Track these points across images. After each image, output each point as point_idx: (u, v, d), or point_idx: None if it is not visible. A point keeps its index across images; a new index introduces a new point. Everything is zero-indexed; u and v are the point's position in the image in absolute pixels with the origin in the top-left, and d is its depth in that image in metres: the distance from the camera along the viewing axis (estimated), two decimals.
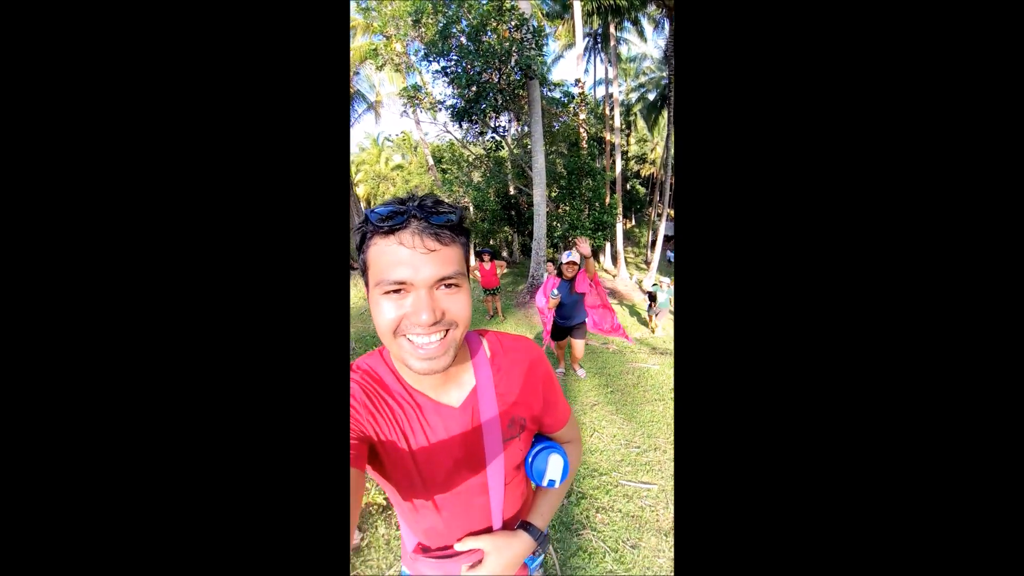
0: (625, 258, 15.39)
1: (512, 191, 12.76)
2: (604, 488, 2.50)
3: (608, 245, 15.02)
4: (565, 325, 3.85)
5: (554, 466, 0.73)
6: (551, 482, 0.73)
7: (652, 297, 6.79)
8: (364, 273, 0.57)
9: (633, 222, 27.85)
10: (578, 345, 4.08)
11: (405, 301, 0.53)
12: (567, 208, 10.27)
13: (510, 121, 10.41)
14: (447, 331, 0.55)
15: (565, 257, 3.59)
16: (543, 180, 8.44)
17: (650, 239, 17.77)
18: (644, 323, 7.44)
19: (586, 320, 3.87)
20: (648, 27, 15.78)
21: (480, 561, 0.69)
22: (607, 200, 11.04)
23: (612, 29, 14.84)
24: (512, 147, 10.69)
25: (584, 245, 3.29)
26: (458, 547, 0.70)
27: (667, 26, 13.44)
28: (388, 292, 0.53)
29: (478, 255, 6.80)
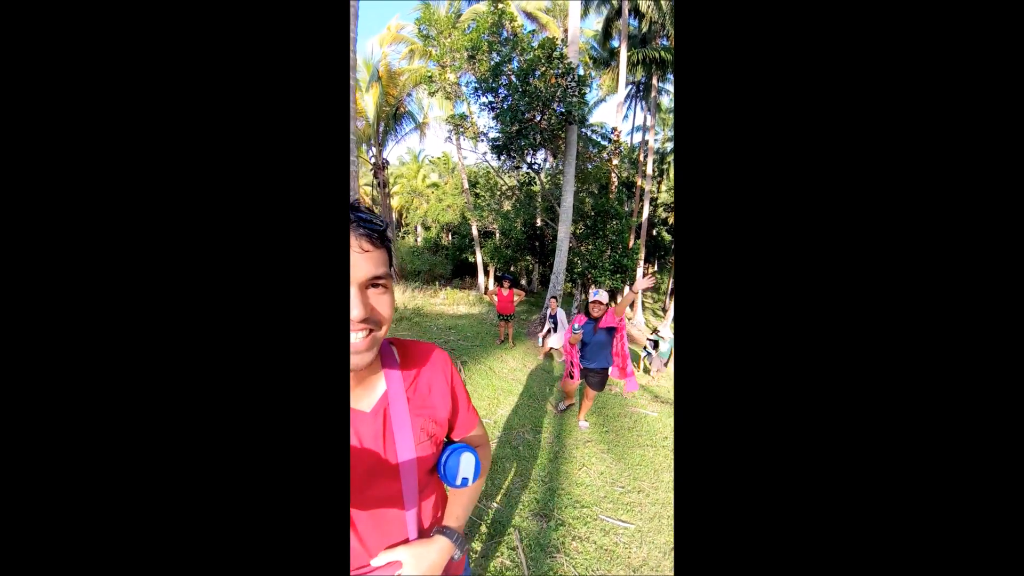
0: (643, 303, 15.47)
1: (539, 223, 13.15)
2: (583, 519, 2.62)
3: (627, 288, 15.17)
4: (586, 367, 3.73)
5: (466, 464, 0.75)
6: (464, 480, 0.75)
7: (654, 344, 6.93)
8: None
9: (656, 268, 27.90)
10: (590, 395, 3.89)
11: None
12: (589, 247, 10.54)
13: (545, 159, 10.87)
14: (371, 330, 0.58)
15: (592, 296, 3.50)
16: (569, 217, 8.77)
17: (670, 287, 17.83)
18: (646, 370, 7.54)
19: (609, 369, 3.72)
20: None
21: (399, 574, 0.67)
22: (630, 244, 11.26)
23: (655, 80, 15.44)
24: (544, 182, 11.12)
25: (645, 281, 3.05)
26: (374, 563, 0.67)
27: None
28: None
29: (498, 280, 7.05)
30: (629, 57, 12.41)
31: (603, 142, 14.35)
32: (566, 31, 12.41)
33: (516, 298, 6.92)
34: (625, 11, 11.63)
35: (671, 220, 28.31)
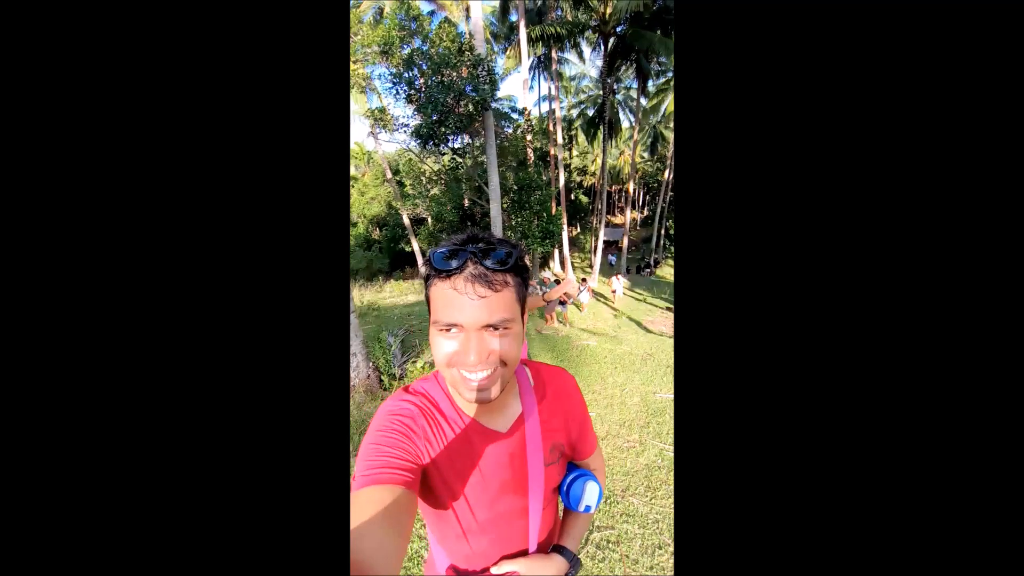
0: (572, 263, 16.96)
1: (467, 203, 13.86)
2: None
3: (556, 251, 16.52)
4: None
5: (591, 492, 0.76)
6: (587, 508, 0.77)
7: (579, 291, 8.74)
8: (427, 302, 0.60)
9: (578, 229, 29.83)
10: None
11: (456, 340, 0.56)
12: (519, 219, 11.50)
13: (466, 144, 11.53)
14: (495, 368, 0.57)
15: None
16: (498, 196, 9.62)
17: (593, 245, 19.55)
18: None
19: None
20: (587, 49, 17.46)
21: None
22: (553, 211, 12.38)
23: (554, 54, 16.40)
24: (467, 164, 11.82)
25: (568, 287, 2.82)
26: (495, 571, 0.72)
27: (602, 48, 15.20)
28: (442, 330, 0.56)
29: None
30: (528, 33, 13.16)
31: (514, 115, 15.16)
32: (467, 9, 12.87)
33: None
34: None
35: (585, 183, 30.18)
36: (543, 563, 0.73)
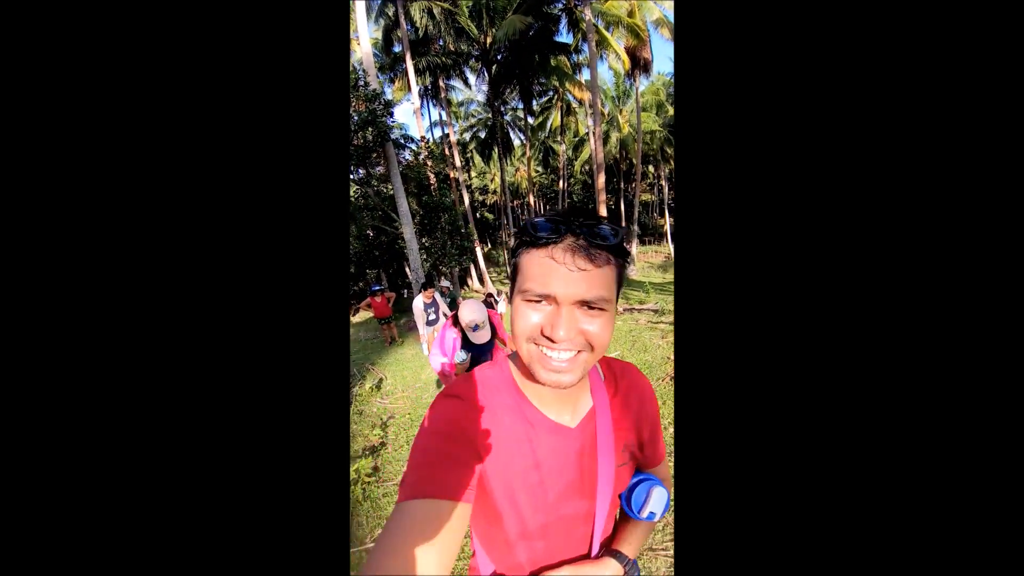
0: (491, 278, 17.55)
1: (370, 233, 13.78)
2: None
3: (472, 268, 17.01)
4: None
5: (658, 498, 0.70)
6: (651, 515, 0.71)
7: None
8: (513, 275, 0.58)
9: (489, 245, 30.73)
10: None
11: (546, 313, 0.53)
12: (431, 241, 11.80)
13: (361, 175, 11.62)
14: (580, 351, 0.54)
15: (472, 321, 2.57)
16: (409, 220, 9.86)
17: (507, 258, 20.41)
18: None
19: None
20: (471, 76, 18.40)
21: None
22: (462, 229, 12.87)
23: (441, 82, 17.07)
24: (371, 195, 11.87)
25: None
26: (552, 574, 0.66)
27: (486, 76, 16.21)
28: (531, 300, 0.53)
29: (371, 294, 7.82)
30: (415, 64, 13.63)
31: (410, 145, 15.48)
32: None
33: (389, 302, 7.83)
34: (403, 22, 12.73)
35: (488, 201, 31.28)
36: (598, 567, 0.67)
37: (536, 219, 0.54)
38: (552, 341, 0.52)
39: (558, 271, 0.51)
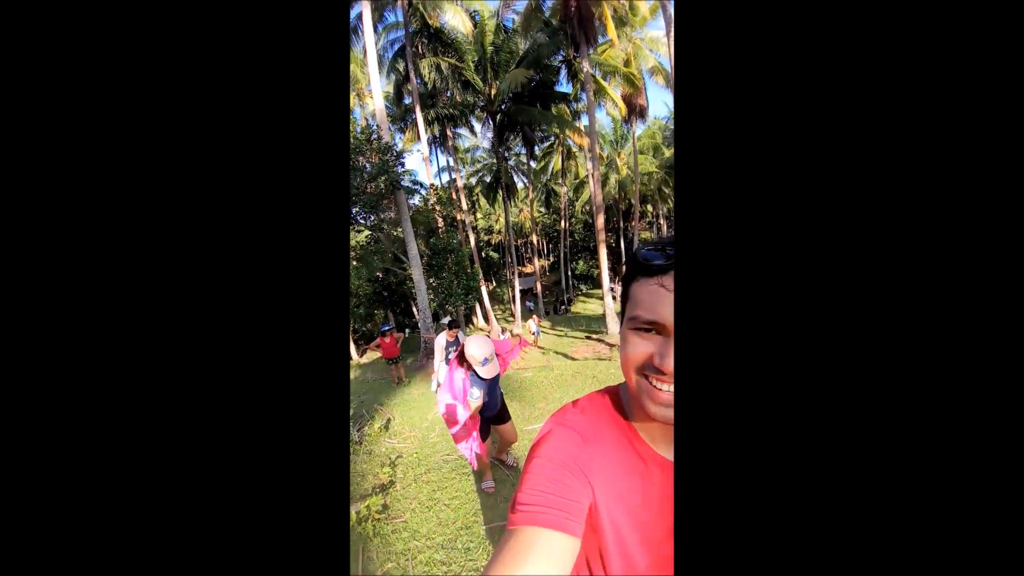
0: (494, 315, 17.80)
1: (379, 275, 14.22)
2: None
3: (478, 306, 17.30)
4: (490, 416, 3.08)
5: None
6: None
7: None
8: (623, 304, 0.56)
9: (494, 283, 31.18)
10: (508, 430, 3.24)
11: (654, 342, 0.51)
12: (438, 281, 12.17)
13: (371, 221, 12.22)
14: None
15: (481, 356, 2.61)
16: (419, 262, 10.26)
17: (511, 295, 20.71)
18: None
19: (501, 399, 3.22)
20: (477, 125, 19.43)
21: None
22: (469, 269, 13.26)
23: (448, 131, 18.03)
24: (383, 239, 12.39)
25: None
26: None
27: (491, 123, 17.12)
28: (639, 329, 0.52)
29: (381, 334, 8.05)
30: (424, 115, 14.49)
31: (419, 190, 16.20)
32: (359, 95, 13.89)
33: (398, 342, 8.04)
34: (413, 76, 13.68)
35: (493, 240, 32.04)
36: None
37: (644, 247, 0.54)
38: (662, 373, 0.50)
39: (668, 298, 0.50)
